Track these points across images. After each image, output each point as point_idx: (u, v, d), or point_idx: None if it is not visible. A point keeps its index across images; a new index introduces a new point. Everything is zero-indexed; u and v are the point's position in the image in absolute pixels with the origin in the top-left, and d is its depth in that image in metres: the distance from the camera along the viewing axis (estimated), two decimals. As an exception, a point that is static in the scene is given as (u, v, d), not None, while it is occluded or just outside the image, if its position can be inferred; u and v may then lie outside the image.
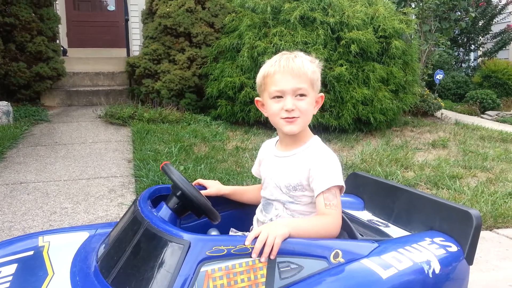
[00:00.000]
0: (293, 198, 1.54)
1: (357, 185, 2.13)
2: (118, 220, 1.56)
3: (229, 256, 1.25)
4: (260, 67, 1.59)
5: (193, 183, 1.64)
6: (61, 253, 1.50)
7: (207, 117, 6.27)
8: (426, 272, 1.43)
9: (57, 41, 7.18)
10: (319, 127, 5.83)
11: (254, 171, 1.78)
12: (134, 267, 1.28)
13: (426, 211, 1.76)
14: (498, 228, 3.38)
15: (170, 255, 1.23)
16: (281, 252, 1.30)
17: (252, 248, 1.27)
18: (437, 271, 1.46)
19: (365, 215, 1.96)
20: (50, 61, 6.62)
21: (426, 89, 8.02)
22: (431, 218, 1.73)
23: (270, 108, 1.53)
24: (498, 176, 4.69)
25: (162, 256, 1.24)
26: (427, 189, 4.25)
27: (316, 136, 1.61)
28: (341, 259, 1.39)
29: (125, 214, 1.51)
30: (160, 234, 1.28)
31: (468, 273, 1.61)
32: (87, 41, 9.22)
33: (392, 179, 4.44)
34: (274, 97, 1.51)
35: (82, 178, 3.92)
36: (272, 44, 5.59)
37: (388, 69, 6.05)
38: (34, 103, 6.63)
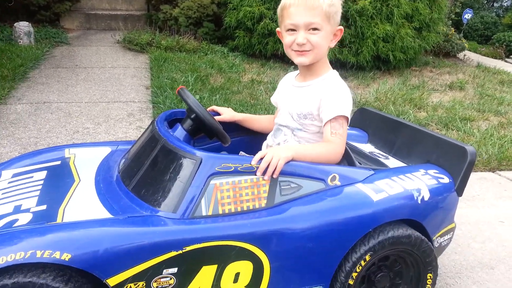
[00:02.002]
0: (302, 125, 1.63)
1: (364, 119, 2.22)
2: (137, 139, 1.70)
3: (236, 172, 1.38)
4: (280, -3, 1.61)
5: (207, 109, 1.74)
6: (86, 164, 1.66)
7: (224, 48, 6.26)
8: (415, 198, 1.56)
9: (78, -38, 7.06)
10: (336, 62, 5.79)
11: (273, 99, 1.86)
12: (152, 177, 1.43)
13: (425, 146, 1.86)
14: (501, 170, 3.47)
15: (184, 168, 1.37)
16: (283, 173, 1.43)
17: (257, 168, 1.40)
18: (426, 199, 1.58)
19: (367, 148, 2.07)
20: (69, -18, 6.56)
21: (451, 28, 7.77)
22: (429, 152, 1.83)
23: (284, 40, 1.59)
24: (510, 121, 4.70)
25: (177, 169, 1.38)
26: (437, 129, 4.30)
27: (334, 70, 1.67)
28: (337, 182, 1.51)
29: (143, 133, 1.64)
30: (175, 151, 1.41)
31: (456, 204, 1.73)
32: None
33: (403, 118, 4.49)
34: (288, 30, 1.56)
35: (102, 101, 4.06)
36: (294, -26, 5.42)
37: (413, 4, 5.86)
38: (54, 25, 6.66)
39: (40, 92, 4.15)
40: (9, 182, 1.56)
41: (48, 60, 5.23)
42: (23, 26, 5.57)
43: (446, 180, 1.68)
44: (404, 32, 5.81)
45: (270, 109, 4.06)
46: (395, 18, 5.68)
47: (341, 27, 1.59)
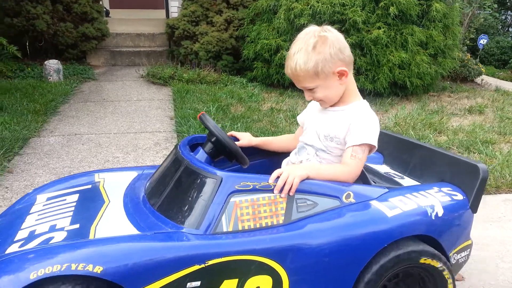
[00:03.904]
0: (327, 147, 1.71)
1: (379, 141, 2.28)
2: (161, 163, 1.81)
3: (254, 190, 1.47)
4: (296, 29, 1.73)
5: (227, 134, 1.84)
6: (114, 187, 1.77)
7: (243, 79, 6.44)
8: (429, 214, 1.60)
9: (100, 2, 7.46)
10: (354, 90, 5.89)
11: (300, 118, 1.93)
12: (175, 196, 1.52)
13: (439, 165, 1.91)
14: (525, 192, 3.44)
15: (206, 187, 1.46)
16: (299, 190, 1.51)
17: (275, 186, 1.49)
18: (440, 215, 1.62)
19: (383, 168, 2.13)
20: (94, 22, 6.92)
21: (467, 54, 7.81)
22: (443, 171, 1.88)
23: None
24: (532, 143, 4.67)
25: (199, 188, 1.48)
26: (459, 152, 4.31)
27: (365, 100, 1.74)
28: (352, 200, 1.58)
29: (167, 157, 1.75)
30: (197, 171, 1.51)
31: (471, 220, 1.76)
32: (127, 2, 9.45)
33: (424, 142, 4.50)
34: None
35: (130, 132, 4.24)
36: (309, 6, 5.61)
37: (427, 32, 5.95)
38: (81, 62, 7.00)
39: (71, 124, 4.37)
40: (44, 205, 1.68)
41: (77, 95, 5.49)
42: (52, 64, 5.88)
43: (460, 197, 1.73)
44: (420, 58, 5.88)
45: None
46: (410, 45, 5.77)
47: (341, 68, 1.60)
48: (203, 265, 1.35)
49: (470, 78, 7.65)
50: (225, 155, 1.69)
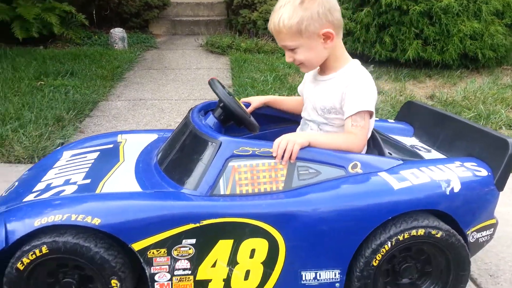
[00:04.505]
0: (327, 120, 1.65)
1: (411, 113, 2.16)
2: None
3: (254, 156, 1.47)
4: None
5: (241, 100, 1.84)
6: (133, 147, 1.86)
7: (302, 49, 6.32)
8: (443, 189, 1.50)
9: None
10: (420, 61, 5.57)
11: (299, 89, 1.89)
12: (179, 159, 1.57)
13: (468, 139, 1.77)
14: None
15: (206, 151, 1.49)
16: (301, 158, 1.48)
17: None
18: (456, 190, 1.51)
19: (411, 141, 2.02)
20: (156, -9, 7.12)
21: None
22: (472, 145, 1.74)
23: None
24: None
25: (200, 152, 1.51)
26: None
27: (356, 60, 1.65)
28: (359, 170, 1.52)
29: (181, 121, 1.79)
30: (200, 135, 1.53)
31: (495, 198, 1.62)
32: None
33: (494, 117, 4.20)
34: None
35: (190, 99, 4.39)
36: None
37: (504, 0, 5.43)
38: (144, 31, 7.26)
39: (135, 90, 4.61)
40: (67, 161, 1.81)
41: (140, 62, 5.75)
42: (118, 32, 6.17)
43: (484, 173, 1.60)
44: (494, 29, 5.39)
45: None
46: (484, 14, 5.30)
47: (327, 30, 1.51)
48: (197, 224, 1.39)
49: (555, 50, 6.86)
50: (234, 121, 1.69)
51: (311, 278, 1.49)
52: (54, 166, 1.77)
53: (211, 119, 1.68)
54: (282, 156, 1.47)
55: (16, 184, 1.71)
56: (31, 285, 1.40)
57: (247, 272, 1.45)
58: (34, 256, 1.34)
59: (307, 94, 1.75)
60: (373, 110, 1.57)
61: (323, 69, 1.67)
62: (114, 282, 1.39)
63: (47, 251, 1.34)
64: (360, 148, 1.57)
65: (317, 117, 1.68)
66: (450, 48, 5.43)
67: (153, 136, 1.95)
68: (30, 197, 1.51)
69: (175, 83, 4.91)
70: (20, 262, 1.34)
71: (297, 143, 1.47)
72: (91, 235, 1.37)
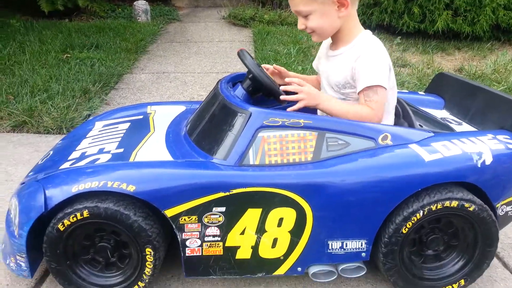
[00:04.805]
0: (344, 95, 1.64)
1: (442, 85, 2.12)
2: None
3: (283, 127, 1.48)
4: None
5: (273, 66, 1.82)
6: (162, 118, 1.89)
7: (327, 20, 6.20)
8: (474, 161, 1.48)
9: None
10: (449, 33, 5.41)
11: (314, 64, 1.86)
12: (209, 129, 1.59)
13: (501, 111, 1.74)
14: None
15: (236, 121, 1.50)
16: (331, 129, 1.49)
17: (304, 123, 1.49)
18: (487, 163, 1.49)
19: (442, 114, 1.99)
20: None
21: None
22: (505, 117, 1.71)
23: None
24: None
25: (230, 122, 1.52)
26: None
27: (366, 31, 1.62)
28: (389, 142, 1.51)
29: (210, 92, 1.81)
30: (229, 106, 1.55)
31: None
32: None
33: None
34: None
35: (213, 72, 4.41)
36: None
37: (541, -34, 5.18)
38: (166, 4, 7.26)
39: (159, 63, 4.64)
40: (99, 131, 1.86)
41: (163, 35, 5.76)
42: (141, 5, 6.18)
43: (516, 146, 1.57)
44: (531, -3, 5.18)
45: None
46: (520, -19, 5.09)
47: None
48: (227, 193, 1.42)
49: None
50: (262, 92, 1.69)
51: (338, 247, 1.51)
52: (87, 136, 1.82)
53: (239, 91, 1.68)
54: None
55: (51, 153, 1.77)
56: (68, 245, 1.48)
57: (275, 240, 1.49)
58: (75, 219, 1.40)
59: (321, 71, 1.74)
60: (384, 83, 1.53)
61: (335, 42, 1.65)
62: (148, 250, 1.45)
63: (88, 215, 1.40)
64: (374, 121, 1.56)
65: (334, 94, 1.67)
66: (481, 19, 5.25)
67: (181, 108, 1.98)
68: (66, 165, 1.57)
69: (198, 56, 4.92)
70: (61, 223, 1.41)
71: (304, 102, 1.54)
72: (130, 203, 1.43)
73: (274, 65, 1.85)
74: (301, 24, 1.58)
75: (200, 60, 4.77)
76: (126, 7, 6.62)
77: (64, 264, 1.49)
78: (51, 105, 3.21)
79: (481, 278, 1.68)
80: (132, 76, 4.21)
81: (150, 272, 1.49)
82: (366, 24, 5.77)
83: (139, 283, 1.51)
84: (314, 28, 1.56)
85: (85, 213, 1.40)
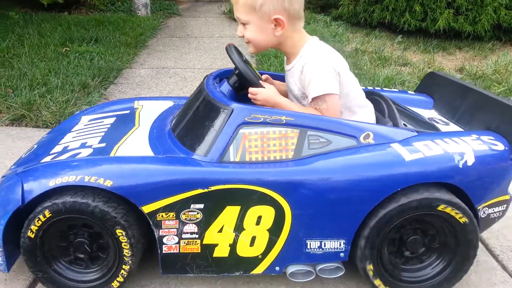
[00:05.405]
0: (308, 105, 1.63)
1: (432, 84, 2.10)
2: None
3: (265, 124, 1.47)
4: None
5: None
6: (148, 113, 1.89)
7: (327, 17, 6.18)
8: (456, 161, 1.47)
9: None
10: (450, 32, 5.38)
11: None
12: (192, 125, 1.59)
13: (489, 112, 1.72)
14: None
15: (218, 117, 1.50)
16: (313, 127, 1.48)
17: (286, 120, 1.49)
18: (469, 163, 1.48)
19: (430, 113, 1.97)
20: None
21: None
22: (492, 118, 1.69)
23: None
24: None
25: (211, 118, 1.52)
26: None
27: (312, 39, 1.61)
28: (371, 141, 1.50)
29: (196, 88, 1.80)
30: (213, 101, 1.54)
31: (511, 174, 1.59)
32: None
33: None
34: None
35: (213, 68, 4.38)
36: None
37: (545, -34, 5.14)
38: (167, -2, 7.24)
39: (158, 58, 4.63)
40: (85, 125, 1.86)
41: (163, 30, 5.75)
42: (142, -1, 6.17)
43: (500, 147, 1.55)
44: (533, -3, 5.13)
45: (375, 79, 3.93)
46: (522, -19, 5.04)
47: (278, 17, 1.49)
48: (206, 190, 1.41)
49: None
50: (247, 88, 1.68)
51: (316, 247, 1.50)
52: (72, 130, 1.82)
53: (225, 86, 1.68)
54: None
55: (35, 147, 1.77)
56: (45, 251, 1.48)
57: (253, 239, 1.48)
58: (39, 222, 1.41)
59: (287, 85, 1.74)
60: (331, 90, 1.52)
61: (287, 56, 1.66)
62: (118, 231, 1.43)
63: (50, 214, 1.40)
64: None
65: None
66: (483, 19, 5.21)
67: (169, 103, 1.98)
68: (47, 159, 1.57)
69: (198, 51, 4.91)
70: (29, 231, 1.42)
71: (257, 101, 1.59)
72: (89, 192, 1.42)
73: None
74: (239, 31, 1.59)
75: (200, 55, 4.76)
76: (125, 0, 6.61)
77: (49, 270, 1.50)
78: (50, 99, 3.21)
79: (480, 281, 1.69)
80: (131, 71, 4.21)
81: (130, 252, 1.46)
82: (367, 22, 5.74)
83: (124, 266, 1.48)
84: (249, 39, 1.57)
85: (47, 213, 1.40)
